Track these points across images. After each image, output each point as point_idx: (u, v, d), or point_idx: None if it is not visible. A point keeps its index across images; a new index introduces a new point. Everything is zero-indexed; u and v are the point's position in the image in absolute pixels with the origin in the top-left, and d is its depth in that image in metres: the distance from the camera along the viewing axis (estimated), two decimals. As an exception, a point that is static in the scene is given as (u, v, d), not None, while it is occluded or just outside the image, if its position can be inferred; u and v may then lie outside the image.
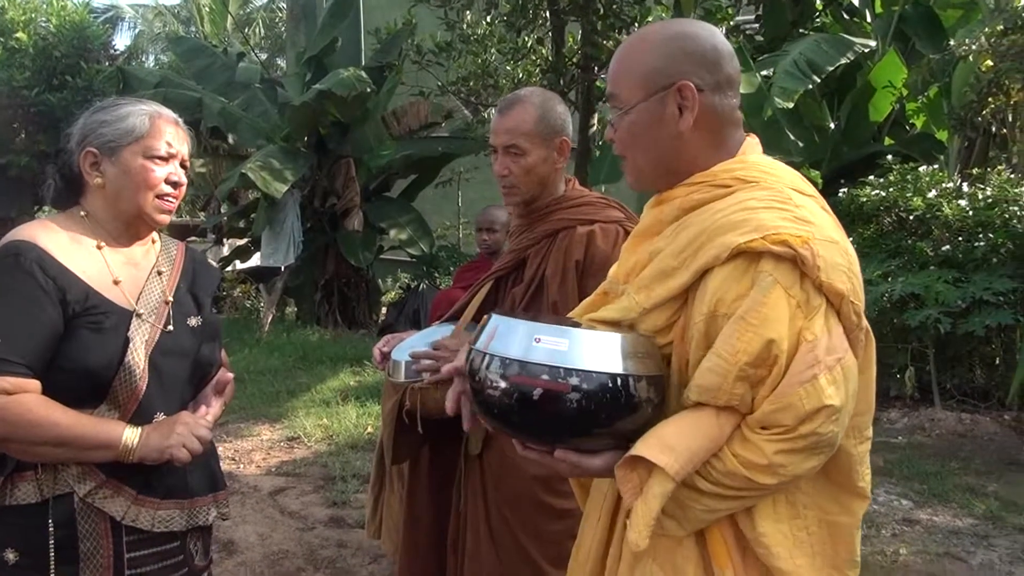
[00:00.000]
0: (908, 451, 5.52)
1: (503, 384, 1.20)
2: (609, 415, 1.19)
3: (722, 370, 1.19)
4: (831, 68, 7.54)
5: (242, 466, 5.38)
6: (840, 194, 7.36)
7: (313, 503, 4.66)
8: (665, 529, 1.26)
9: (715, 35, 1.38)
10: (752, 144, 1.41)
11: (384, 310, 12.59)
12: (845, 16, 9.24)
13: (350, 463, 5.34)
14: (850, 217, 6.96)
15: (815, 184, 6.61)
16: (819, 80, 7.41)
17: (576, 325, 1.29)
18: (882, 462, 5.21)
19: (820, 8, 9.13)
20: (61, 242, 1.61)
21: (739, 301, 1.20)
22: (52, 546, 1.53)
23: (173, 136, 1.70)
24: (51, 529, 1.54)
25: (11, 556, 1.54)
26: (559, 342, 1.19)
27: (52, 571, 1.53)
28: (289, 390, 7.75)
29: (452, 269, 11.34)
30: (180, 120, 1.76)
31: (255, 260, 12.56)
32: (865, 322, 1.26)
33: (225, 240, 14.72)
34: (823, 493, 1.30)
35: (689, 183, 1.35)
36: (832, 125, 8.32)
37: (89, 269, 1.62)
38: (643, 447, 1.18)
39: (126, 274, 1.68)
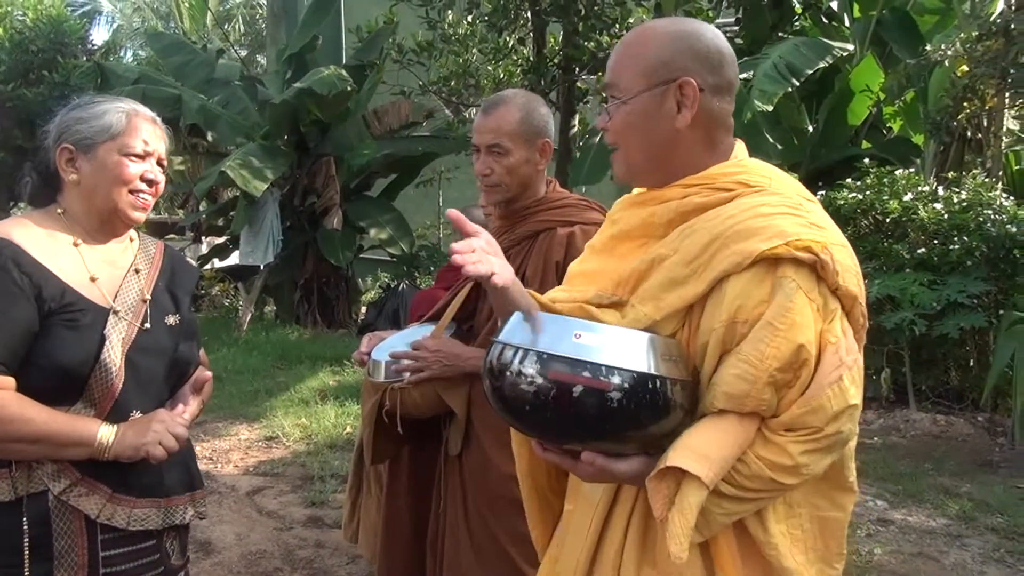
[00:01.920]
0: (883, 452, 5.57)
1: (540, 380, 1.14)
2: (645, 417, 1.17)
3: (751, 376, 1.18)
4: (810, 71, 7.59)
5: (220, 466, 5.35)
6: (818, 196, 7.44)
7: (291, 503, 4.64)
8: None
9: (720, 38, 1.38)
10: (741, 148, 1.42)
11: (364, 309, 12.55)
12: (824, 20, 9.32)
13: (328, 463, 5.32)
14: (828, 220, 7.02)
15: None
16: (798, 83, 7.46)
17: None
18: (857, 463, 5.24)
19: (799, 12, 9.20)
20: (37, 239, 1.60)
21: (760, 307, 1.19)
22: (26, 544, 1.52)
23: (150, 134, 1.70)
24: (25, 527, 1.53)
25: None
26: (598, 339, 1.16)
27: (26, 569, 1.52)
28: (267, 389, 7.71)
29: (432, 269, 11.33)
30: (158, 118, 1.76)
31: (234, 258, 12.48)
32: (867, 323, 1.29)
33: (204, 238, 14.63)
34: (816, 490, 1.31)
35: (685, 184, 1.34)
36: (810, 128, 8.39)
37: (65, 266, 1.61)
38: (678, 457, 1.16)
39: (103, 272, 1.67)
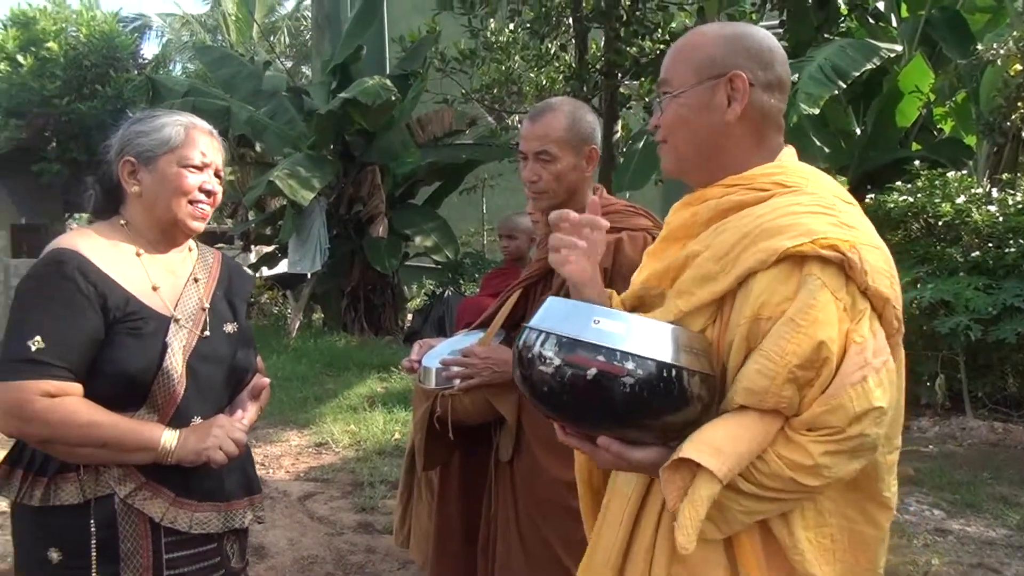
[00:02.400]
0: (939, 460, 5.46)
1: (557, 362, 1.18)
2: (659, 406, 1.18)
3: (771, 372, 1.18)
4: (857, 73, 7.47)
5: (271, 471, 5.43)
6: (867, 200, 7.31)
7: (341, 508, 4.69)
8: (703, 532, 1.24)
9: (772, 39, 1.41)
10: (790, 153, 1.42)
11: (410, 317, 12.65)
12: (871, 21, 9.17)
13: (378, 469, 5.37)
14: (877, 223, 6.74)
15: (842, 190, 6.54)
16: (845, 85, 7.35)
17: None
18: (913, 471, 5.15)
19: (845, 13, 9.06)
20: (102, 249, 1.65)
21: (784, 304, 1.20)
22: (94, 546, 1.56)
23: (207, 146, 1.75)
24: (93, 529, 1.57)
25: (55, 556, 1.57)
26: (617, 325, 1.19)
27: (94, 571, 1.56)
28: (316, 396, 7.80)
29: (477, 276, 11.37)
30: (214, 131, 1.80)
31: (282, 267, 12.67)
32: (903, 328, 1.27)
33: (252, 247, 14.88)
34: (848, 501, 1.29)
35: (725, 184, 1.36)
36: (858, 131, 8.27)
37: (129, 276, 1.65)
38: (691, 449, 1.17)
39: (164, 281, 1.71)
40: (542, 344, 1.21)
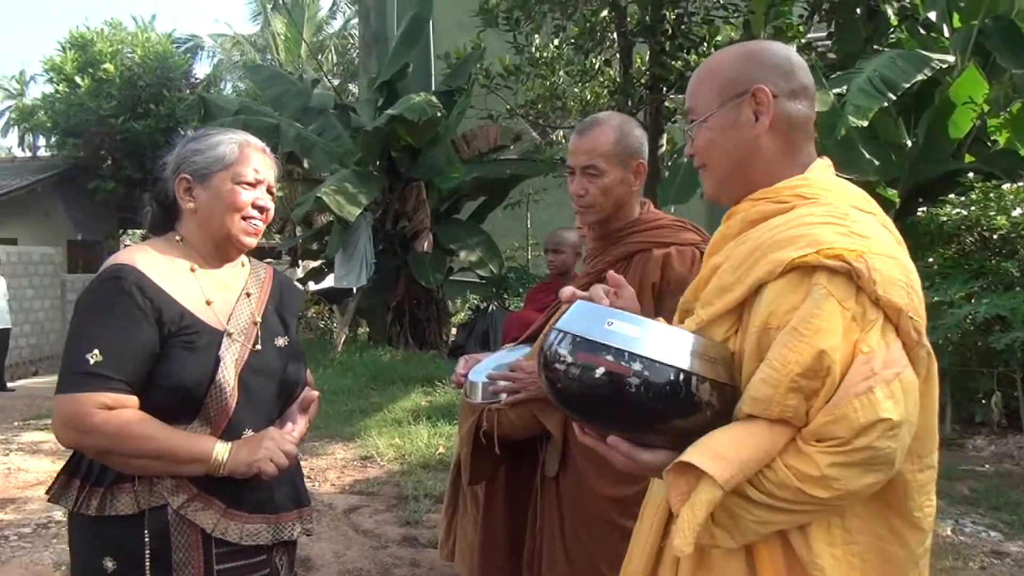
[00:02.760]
0: (996, 480, 5.31)
1: (569, 360, 1.23)
2: (667, 409, 1.21)
3: (774, 381, 1.18)
4: (907, 84, 7.34)
5: (317, 484, 5.48)
6: (919, 213, 7.17)
7: (386, 522, 4.71)
8: (715, 539, 1.25)
9: (789, 50, 1.44)
10: (822, 165, 1.43)
11: (454, 331, 12.70)
12: (922, 31, 9.02)
13: (422, 483, 5.39)
14: (929, 237, 6.76)
15: (890, 204, 6.40)
16: (895, 97, 7.22)
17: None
18: (968, 491, 5.02)
19: (895, 24, 8.93)
20: (158, 265, 1.69)
21: (791, 314, 1.20)
22: (148, 556, 1.59)
23: (260, 163, 1.78)
24: (147, 539, 1.60)
25: (110, 564, 1.60)
26: (630, 328, 1.22)
27: None
28: (362, 409, 7.87)
29: (521, 290, 11.39)
30: (267, 148, 1.84)
31: (328, 281, 12.83)
32: (927, 341, 1.24)
33: (300, 262, 15.09)
34: (878, 519, 1.27)
35: (753, 198, 1.38)
36: (909, 143, 8.12)
37: (183, 290, 1.69)
38: (693, 453, 1.19)
39: (217, 295, 1.75)
40: (559, 343, 1.26)
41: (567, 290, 1.52)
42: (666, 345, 1.21)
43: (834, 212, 1.27)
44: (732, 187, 1.44)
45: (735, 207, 1.42)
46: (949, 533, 4.36)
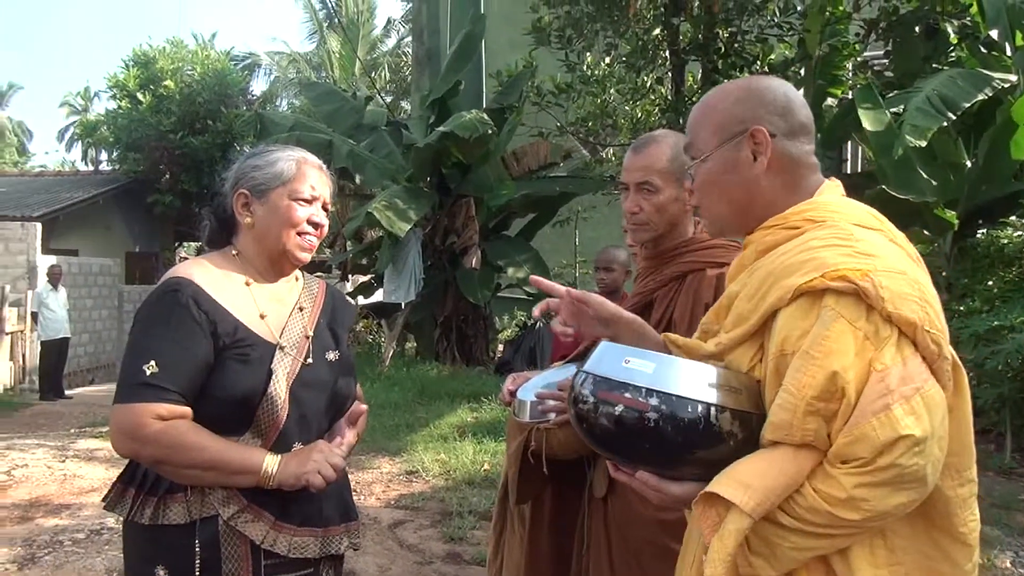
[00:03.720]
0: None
1: (591, 399, 1.27)
2: (689, 441, 1.23)
3: (791, 406, 1.19)
4: (967, 104, 7.18)
5: (363, 497, 5.50)
6: (978, 235, 6.99)
7: (431, 537, 4.71)
8: (754, 568, 1.24)
9: (787, 86, 1.45)
10: (831, 187, 1.44)
11: (501, 347, 12.71)
12: (983, 50, 8.82)
13: (467, 499, 5.38)
14: (989, 260, 6.59)
15: (949, 225, 6.24)
16: (954, 117, 7.07)
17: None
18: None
19: (955, 42, 8.75)
20: (214, 278, 1.72)
21: (804, 338, 1.21)
22: (198, 565, 1.61)
23: (317, 180, 1.81)
24: (198, 549, 1.62)
25: (161, 573, 1.63)
26: (646, 364, 1.26)
27: None
28: (408, 424, 7.90)
29: (569, 308, 11.32)
30: (324, 165, 1.87)
31: (377, 296, 12.95)
32: (949, 352, 1.23)
33: (349, 276, 15.24)
34: (923, 538, 1.25)
35: (764, 227, 1.40)
36: (969, 163, 7.93)
37: (238, 304, 1.72)
38: (718, 484, 1.20)
39: (271, 309, 1.77)
40: (582, 384, 1.31)
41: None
42: (683, 378, 1.25)
43: (838, 233, 1.28)
44: (734, 225, 1.47)
45: (749, 236, 1.43)
46: (1008, 565, 4.22)
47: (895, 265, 1.23)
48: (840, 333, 1.17)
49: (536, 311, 1.76)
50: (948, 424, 1.20)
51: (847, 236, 1.27)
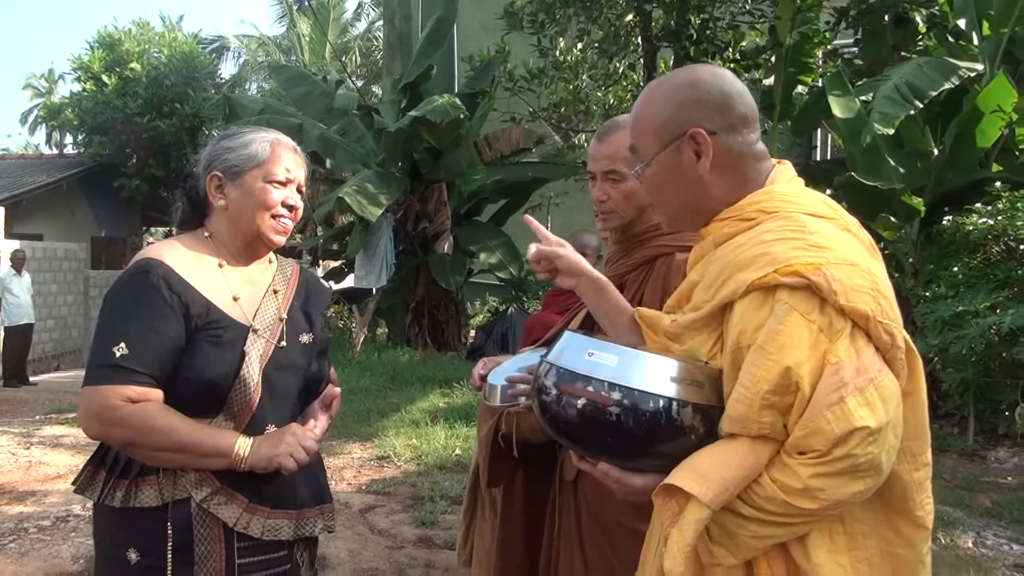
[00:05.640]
0: (1019, 492, 5.24)
1: (554, 392, 1.28)
2: (649, 436, 1.24)
3: (746, 399, 1.20)
4: (935, 93, 7.28)
5: (334, 483, 5.49)
6: (944, 222, 7.09)
7: (402, 522, 4.72)
8: (715, 557, 1.26)
9: (722, 78, 1.43)
10: (781, 171, 1.45)
11: (473, 333, 12.70)
12: (950, 39, 8.93)
13: (438, 484, 5.40)
14: (955, 246, 6.70)
15: (916, 212, 6.32)
16: (922, 105, 7.16)
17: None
18: (990, 503, 4.96)
19: (923, 31, 8.85)
20: (186, 260, 1.70)
21: (758, 332, 1.22)
22: (170, 548, 1.61)
23: (291, 162, 1.80)
24: (170, 531, 1.61)
25: (133, 556, 1.62)
26: (609, 358, 1.27)
27: (170, 572, 1.60)
28: (379, 409, 7.89)
29: (541, 293, 11.37)
30: (298, 148, 1.85)
31: (349, 281, 12.89)
32: (903, 342, 1.25)
33: (320, 261, 15.15)
34: (882, 523, 1.28)
35: (720, 218, 1.41)
36: (936, 151, 8.04)
37: (210, 286, 1.70)
38: (676, 476, 1.22)
39: (244, 291, 1.76)
40: (546, 375, 1.32)
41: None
42: (645, 373, 1.25)
43: (791, 225, 1.29)
44: (685, 222, 1.49)
45: (706, 228, 1.44)
46: (970, 546, 4.31)
47: (848, 257, 1.25)
48: (794, 327, 1.19)
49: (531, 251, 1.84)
50: (903, 410, 1.23)
51: (799, 228, 1.28)
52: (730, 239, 1.36)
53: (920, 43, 8.88)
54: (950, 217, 6.69)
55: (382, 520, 4.75)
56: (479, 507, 3.00)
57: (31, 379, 12.42)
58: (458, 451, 6.25)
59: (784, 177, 1.44)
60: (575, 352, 1.31)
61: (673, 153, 1.41)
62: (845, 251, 1.26)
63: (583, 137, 11.51)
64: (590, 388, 1.24)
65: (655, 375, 1.25)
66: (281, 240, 1.80)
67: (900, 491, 1.28)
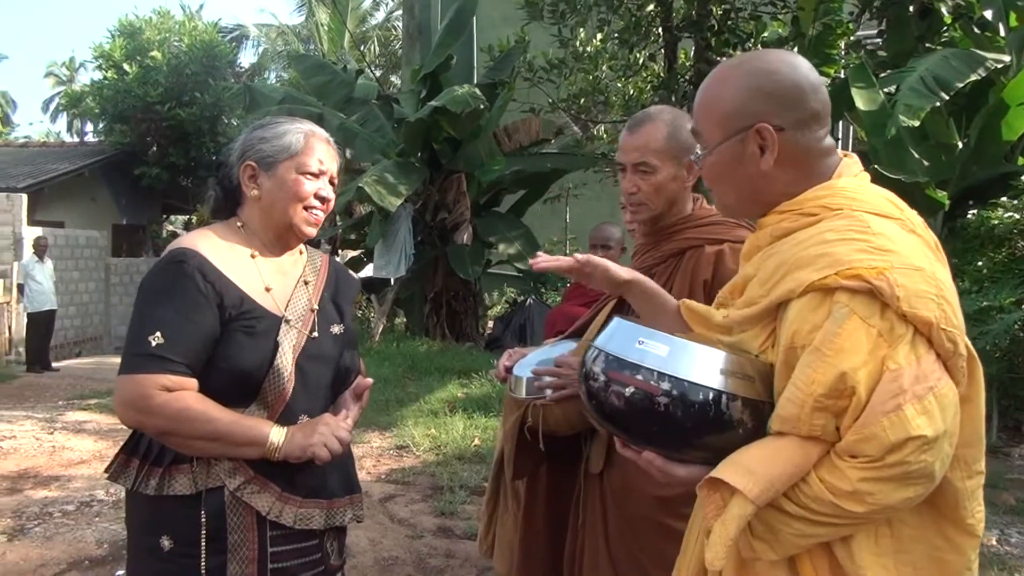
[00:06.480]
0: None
1: (603, 378, 1.27)
2: (698, 427, 1.23)
3: (799, 401, 1.18)
4: (960, 85, 7.19)
5: (354, 471, 5.51)
6: (969, 216, 7.02)
7: (422, 512, 4.74)
8: (756, 552, 1.25)
9: (797, 69, 1.37)
10: (848, 165, 1.40)
11: (490, 324, 12.72)
12: (976, 30, 8.82)
13: (457, 474, 5.42)
14: (979, 240, 6.63)
15: (939, 205, 6.24)
16: (947, 97, 7.07)
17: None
18: (1014, 500, 4.93)
19: (949, 22, 8.74)
20: (219, 250, 1.71)
21: (814, 333, 1.19)
22: (204, 536, 1.62)
23: (324, 154, 1.80)
24: (203, 520, 1.63)
25: (166, 543, 1.63)
26: (659, 347, 1.25)
27: (203, 560, 1.62)
28: (398, 399, 7.92)
29: (559, 285, 11.38)
30: (331, 139, 1.85)
31: (368, 271, 12.91)
32: (965, 349, 1.22)
33: (339, 251, 15.20)
34: (932, 529, 1.26)
35: (779, 211, 1.37)
36: (960, 144, 7.96)
37: (243, 276, 1.71)
38: (723, 469, 1.20)
39: (276, 282, 1.77)
40: (594, 361, 1.31)
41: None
42: (695, 364, 1.24)
43: (855, 226, 1.25)
44: (744, 211, 1.47)
45: (763, 220, 1.41)
46: (995, 543, 4.28)
47: (912, 261, 1.21)
48: (852, 331, 1.16)
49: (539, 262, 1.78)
50: (960, 418, 1.20)
51: (863, 228, 1.24)
52: (789, 234, 1.33)
53: (945, 34, 8.76)
54: (975, 211, 6.62)
55: (402, 509, 4.77)
56: (501, 498, 3.01)
57: (53, 365, 12.55)
58: (477, 441, 6.27)
59: (851, 172, 1.39)
60: (624, 339, 1.29)
61: (737, 144, 1.36)
62: (910, 255, 1.22)
63: (602, 128, 11.47)
64: (639, 376, 1.23)
65: (705, 367, 1.23)
66: (312, 232, 1.80)
67: (951, 498, 1.25)
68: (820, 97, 1.37)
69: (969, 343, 1.23)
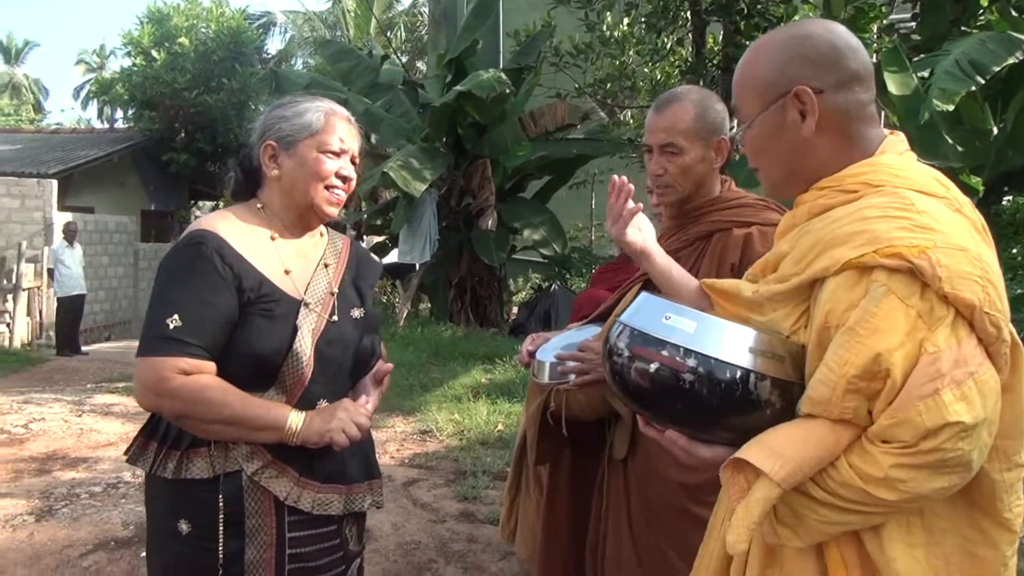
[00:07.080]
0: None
1: (627, 353, 1.24)
2: (724, 406, 1.19)
3: (831, 382, 1.14)
4: (997, 68, 7.03)
5: (377, 456, 5.52)
6: (1004, 202, 6.89)
7: (444, 496, 4.73)
8: (780, 537, 1.21)
9: (834, 32, 1.34)
10: (892, 142, 1.35)
11: (515, 309, 12.71)
12: (1014, 13, 8.63)
13: (480, 459, 5.41)
14: (1014, 227, 6.51)
15: (974, 192, 6.12)
16: (984, 81, 6.92)
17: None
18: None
19: (984, 5, 8.55)
20: (239, 232, 1.69)
21: (850, 312, 1.15)
22: (222, 520, 1.61)
23: (346, 132, 1.77)
24: (221, 504, 1.61)
25: (184, 527, 1.63)
26: (686, 323, 1.22)
27: (221, 544, 1.61)
28: (422, 384, 7.93)
29: (584, 271, 11.33)
30: (352, 118, 1.83)
31: (392, 256, 12.95)
32: (1009, 336, 1.16)
33: (364, 236, 15.25)
34: (965, 521, 1.21)
35: (818, 187, 1.33)
36: (996, 129, 7.79)
37: (263, 258, 1.69)
38: (748, 450, 1.17)
39: (296, 265, 1.75)
40: (618, 336, 1.27)
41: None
42: (724, 341, 1.20)
43: (897, 203, 1.20)
44: (789, 186, 1.40)
45: (802, 196, 1.37)
46: (1018, 534, 4.21)
47: (957, 241, 1.15)
48: (889, 311, 1.11)
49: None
50: (1001, 407, 1.15)
51: (906, 206, 1.19)
52: (827, 211, 1.29)
53: (981, 17, 8.57)
54: (1010, 197, 6.48)
55: (425, 494, 4.77)
56: (523, 483, 2.99)
57: (83, 349, 12.71)
58: (500, 427, 6.26)
59: (896, 149, 1.34)
60: (651, 314, 1.26)
61: (777, 113, 1.33)
62: (954, 234, 1.17)
63: (629, 113, 11.37)
64: (664, 352, 1.19)
65: (733, 344, 1.19)
66: (334, 212, 1.77)
67: (988, 490, 1.20)
68: (859, 57, 1.33)
69: (1014, 330, 1.18)
